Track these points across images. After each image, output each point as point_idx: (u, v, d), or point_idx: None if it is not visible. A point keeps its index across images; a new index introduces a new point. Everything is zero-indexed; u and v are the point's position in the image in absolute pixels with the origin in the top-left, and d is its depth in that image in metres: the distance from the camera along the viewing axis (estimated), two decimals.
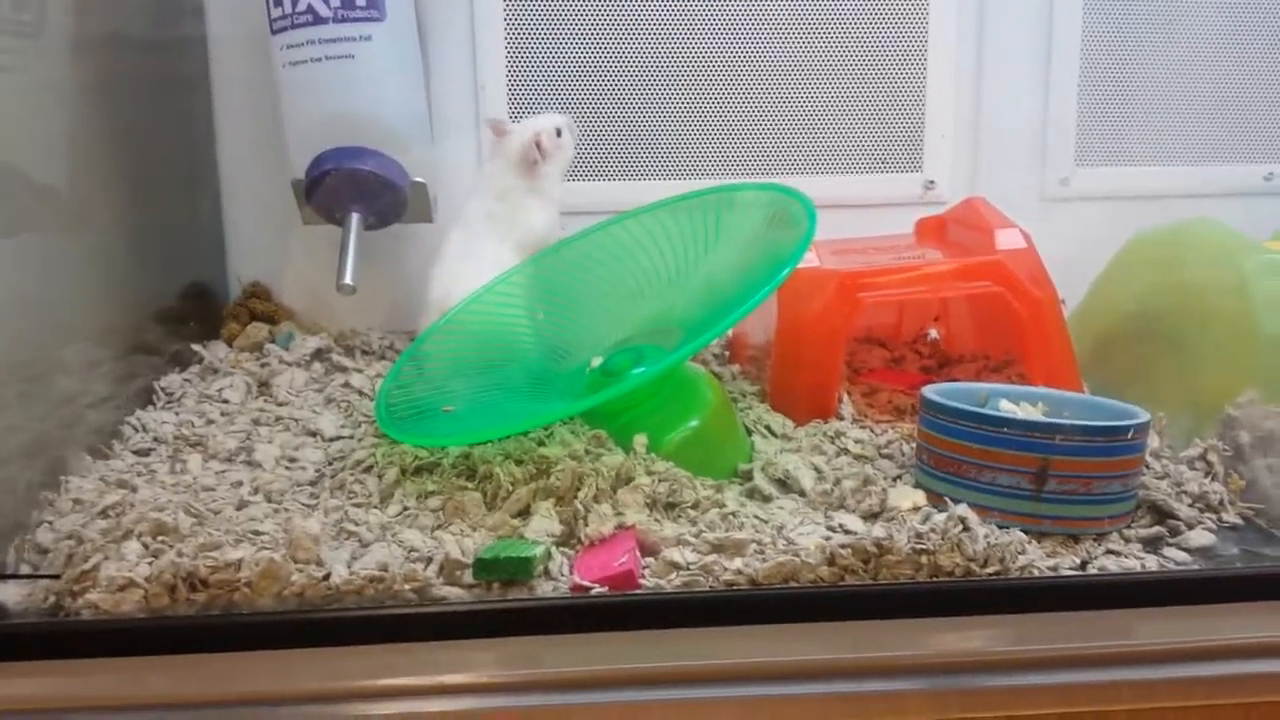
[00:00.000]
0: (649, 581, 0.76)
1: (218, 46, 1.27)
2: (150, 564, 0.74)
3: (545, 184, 1.10)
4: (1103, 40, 1.29)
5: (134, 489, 0.87)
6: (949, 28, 1.28)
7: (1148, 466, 0.89)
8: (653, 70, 1.27)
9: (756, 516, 0.83)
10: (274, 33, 1.12)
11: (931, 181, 1.31)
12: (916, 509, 0.82)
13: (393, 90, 1.15)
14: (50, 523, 0.83)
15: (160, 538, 0.77)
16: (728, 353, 1.23)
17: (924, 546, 0.75)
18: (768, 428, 0.99)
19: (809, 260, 1.02)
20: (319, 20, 1.10)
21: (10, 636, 0.71)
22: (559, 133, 1.11)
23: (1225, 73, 1.30)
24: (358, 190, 1.13)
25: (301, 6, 1.10)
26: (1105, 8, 1.28)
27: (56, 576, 0.74)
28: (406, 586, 0.73)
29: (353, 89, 1.12)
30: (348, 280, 1.09)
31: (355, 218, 1.13)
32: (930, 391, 0.87)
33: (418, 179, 1.17)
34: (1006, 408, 0.88)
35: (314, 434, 1.02)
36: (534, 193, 1.10)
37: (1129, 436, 0.81)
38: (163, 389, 1.09)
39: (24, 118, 0.93)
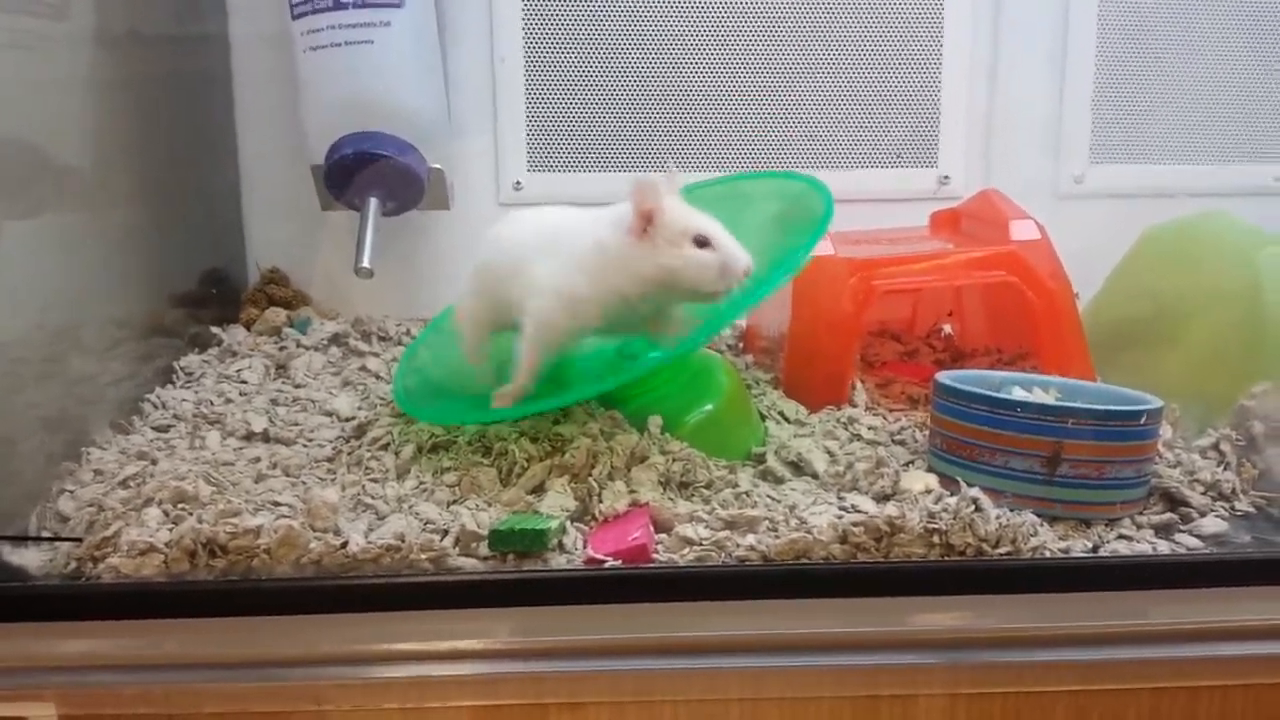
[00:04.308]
0: (662, 556, 0.76)
1: (238, 36, 1.29)
2: (170, 530, 0.75)
3: None
4: (1118, 37, 1.29)
5: (154, 461, 0.88)
6: (964, 23, 1.28)
7: (1160, 455, 0.89)
8: (670, 66, 1.28)
9: (769, 496, 0.84)
10: (294, 18, 1.13)
11: (946, 177, 1.31)
12: (928, 491, 0.82)
13: (411, 77, 1.16)
14: (71, 492, 0.84)
15: (181, 505, 0.78)
16: (741, 344, 1.23)
17: (936, 526, 0.76)
18: (781, 414, 1.00)
19: (824, 249, 1.02)
20: (339, 5, 1.11)
21: (33, 599, 0.72)
22: None
23: (1241, 71, 1.31)
24: (376, 176, 1.14)
25: None
26: (1121, 5, 1.29)
27: (79, 540, 0.75)
28: (423, 556, 0.74)
29: (371, 74, 1.13)
30: (365, 264, 1.10)
31: (373, 202, 1.14)
32: (944, 377, 0.88)
33: (436, 165, 1.18)
34: (1020, 394, 0.89)
35: (330, 414, 1.03)
36: None
37: (1142, 422, 0.82)
38: (182, 369, 1.11)
39: (47, 101, 0.94)
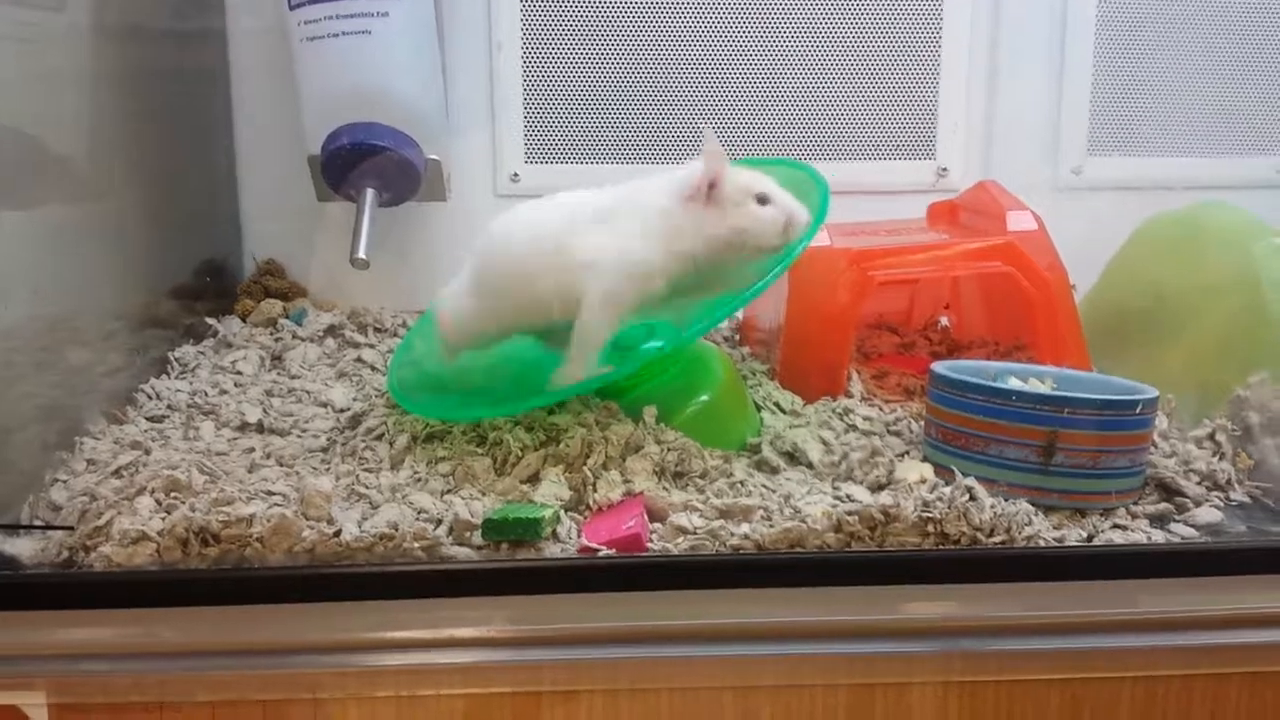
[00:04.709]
0: (656, 545, 0.76)
1: (235, 27, 1.28)
2: (163, 519, 0.75)
3: None
4: (1116, 29, 1.29)
5: (147, 451, 0.88)
6: (964, 15, 1.28)
7: (1156, 446, 0.89)
8: (670, 57, 1.28)
9: (764, 486, 0.84)
10: (291, 8, 1.13)
11: (944, 169, 1.31)
12: (923, 481, 0.82)
13: (409, 68, 1.15)
14: (64, 481, 0.84)
15: (173, 494, 0.78)
16: (738, 335, 1.23)
17: (931, 514, 0.76)
18: (777, 404, 0.99)
19: (821, 239, 1.02)
20: None
21: (24, 587, 0.72)
22: None
23: (1239, 64, 1.30)
24: (373, 167, 1.14)
25: None
26: None
27: (70, 529, 0.75)
28: (416, 545, 0.74)
29: (369, 65, 1.12)
30: (361, 254, 1.10)
31: (370, 193, 1.14)
32: (939, 366, 0.88)
33: (433, 157, 1.18)
34: (1015, 384, 0.89)
35: (325, 405, 1.03)
36: None
37: (1137, 411, 0.82)
38: (177, 359, 1.10)
39: (43, 93, 0.94)
